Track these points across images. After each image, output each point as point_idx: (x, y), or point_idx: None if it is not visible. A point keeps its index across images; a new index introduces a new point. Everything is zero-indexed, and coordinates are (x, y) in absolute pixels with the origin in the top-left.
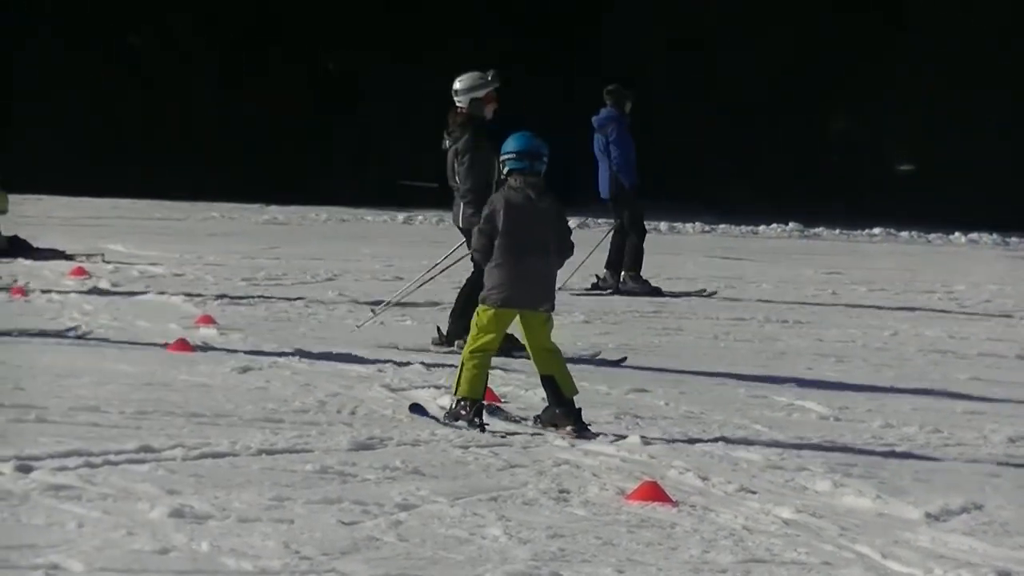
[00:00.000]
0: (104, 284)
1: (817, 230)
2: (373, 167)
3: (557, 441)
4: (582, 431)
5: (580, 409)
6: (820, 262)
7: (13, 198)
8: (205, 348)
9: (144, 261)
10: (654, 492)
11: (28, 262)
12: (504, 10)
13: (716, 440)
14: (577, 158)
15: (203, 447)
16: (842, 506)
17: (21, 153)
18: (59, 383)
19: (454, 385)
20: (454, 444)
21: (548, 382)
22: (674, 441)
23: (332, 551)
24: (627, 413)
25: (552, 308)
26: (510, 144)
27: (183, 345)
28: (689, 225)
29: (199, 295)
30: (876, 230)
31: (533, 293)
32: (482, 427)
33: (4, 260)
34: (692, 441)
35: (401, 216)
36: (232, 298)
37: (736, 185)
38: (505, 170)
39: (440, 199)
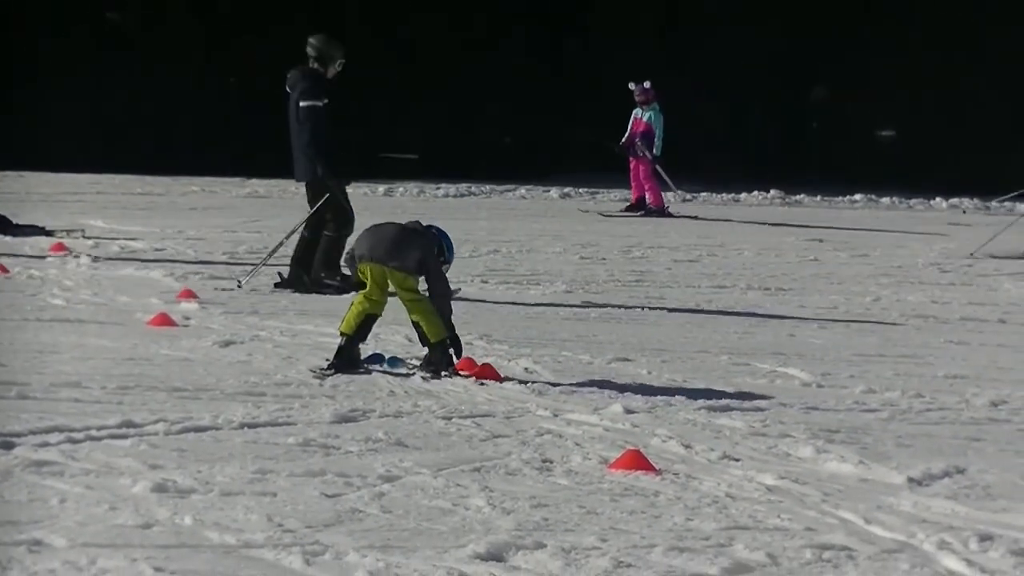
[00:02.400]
0: (84, 260)
1: (798, 197)
2: (353, 139)
3: (540, 411)
4: (438, 372)
5: (450, 352)
6: (801, 229)
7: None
8: (186, 322)
9: (125, 236)
10: (637, 461)
11: (8, 238)
12: None
13: (699, 408)
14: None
15: (185, 421)
16: (825, 472)
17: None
18: (40, 359)
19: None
20: (437, 415)
21: (416, 327)
22: (657, 409)
23: (315, 523)
24: (609, 382)
25: (401, 267)
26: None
27: (164, 320)
28: (670, 194)
29: (180, 270)
30: (857, 196)
31: (373, 249)
32: (334, 364)
33: None
34: (675, 409)
35: (382, 188)
36: (213, 272)
37: (716, 154)
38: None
39: (421, 170)
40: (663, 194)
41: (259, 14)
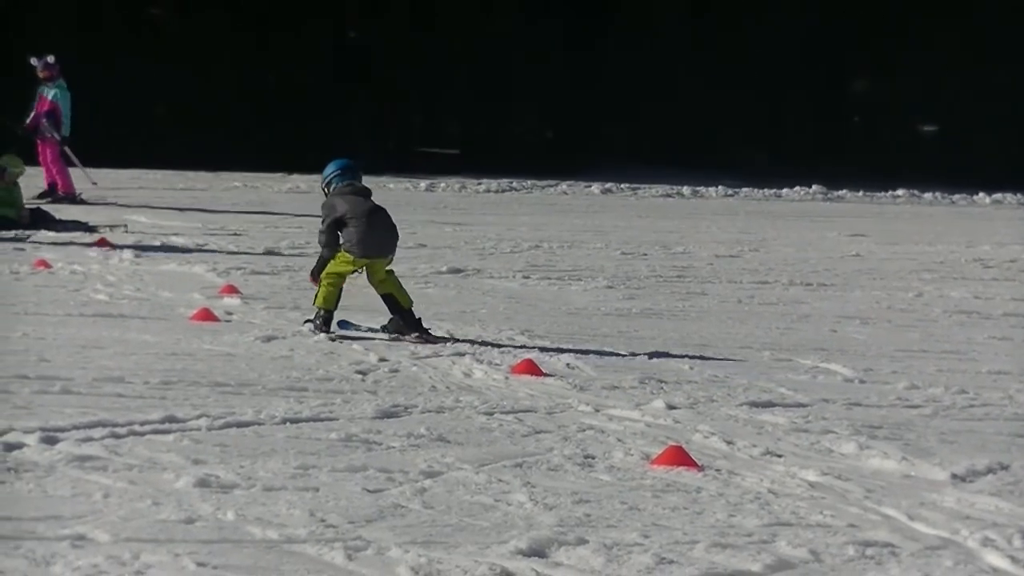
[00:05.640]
0: (127, 255)
1: (840, 192)
2: (392, 135)
3: (581, 407)
4: (425, 335)
5: (420, 318)
6: (844, 224)
7: (37, 171)
8: (229, 318)
9: (167, 232)
10: (679, 456)
11: (51, 234)
12: None
13: (741, 404)
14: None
15: (228, 416)
16: (868, 468)
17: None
18: (83, 354)
19: (313, 298)
20: (479, 411)
21: (388, 299)
22: (698, 405)
23: (357, 519)
24: (651, 378)
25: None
26: (331, 168)
27: (207, 315)
28: (712, 189)
29: (222, 265)
30: (900, 191)
31: (384, 247)
32: (327, 331)
33: (27, 232)
34: (717, 405)
35: (423, 183)
36: (255, 267)
37: (757, 149)
38: (333, 186)
39: (461, 165)
40: (72, 177)
41: (299, 7)
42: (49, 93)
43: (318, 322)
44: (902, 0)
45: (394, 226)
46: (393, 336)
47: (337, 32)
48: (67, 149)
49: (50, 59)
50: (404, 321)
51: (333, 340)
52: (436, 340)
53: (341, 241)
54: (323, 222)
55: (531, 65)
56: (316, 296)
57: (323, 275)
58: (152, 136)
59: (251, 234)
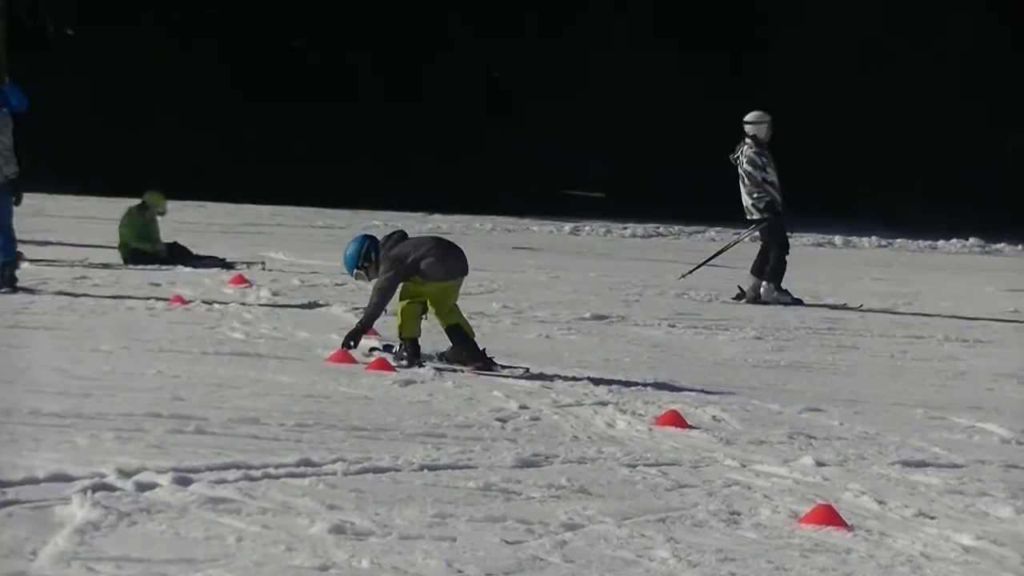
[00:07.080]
0: (264, 293)
1: (998, 246)
2: (537, 176)
3: (727, 461)
4: (488, 364)
5: (484, 348)
6: (1002, 279)
7: (174, 204)
8: (366, 359)
9: (305, 270)
10: (828, 515)
11: (188, 269)
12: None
13: (893, 463)
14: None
15: (364, 461)
16: None
17: (182, 160)
18: (218, 394)
19: (397, 329)
20: (621, 463)
21: (454, 329)
22: (848, 463)
23: (495, 570)
24: (800, 433)
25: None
26: (357, 245)
27: (344, 356)
28: (865, 239)
29: (360, 305)
30: None
31: (463, 265)
32: (419, 362)
33: (164, 267)
34: (868, 463)
35: (568, 226)
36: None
37: (911, 199)
38: (372, 255)
39: (606, 209)
40: None
41: (445, 48)
42: None
43: (405, 354)
44: None
45: (460, 248)
46: (451, 365)
47: (480, 71)
48: None
49: None
50: (467, 351)
51: (424, 368)
52: (504, 368)
53: (419, 276)
54: (388, 273)
55: (677, 110)
56: (399, 328)
57: (400, 307)
58: (292, 173)
59: None
